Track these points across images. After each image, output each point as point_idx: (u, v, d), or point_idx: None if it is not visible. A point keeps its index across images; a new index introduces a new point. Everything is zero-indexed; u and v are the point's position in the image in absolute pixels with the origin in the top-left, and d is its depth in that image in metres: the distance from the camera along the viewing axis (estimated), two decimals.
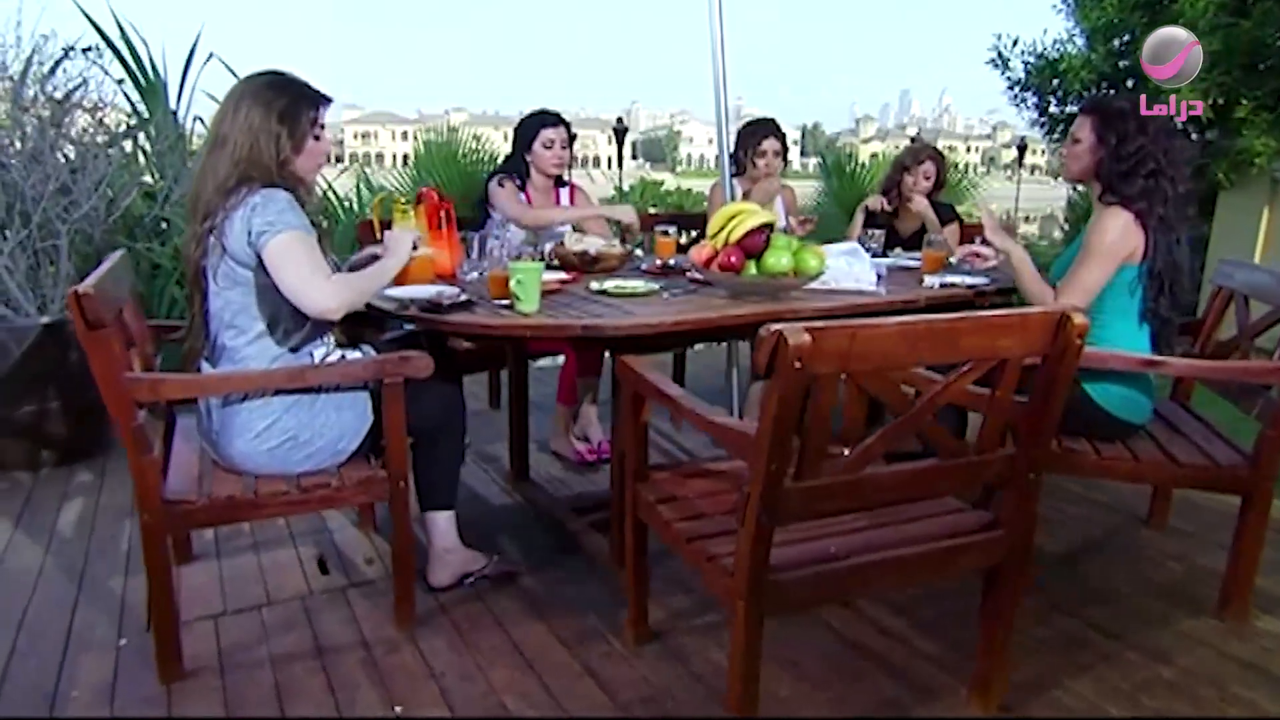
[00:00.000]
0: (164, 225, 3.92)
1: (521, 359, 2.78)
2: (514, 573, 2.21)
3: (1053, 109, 6.56)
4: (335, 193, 5.03)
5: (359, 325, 2.40)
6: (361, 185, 5.44)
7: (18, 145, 3.27)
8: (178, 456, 1.91)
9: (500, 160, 3.31)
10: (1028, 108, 6.57)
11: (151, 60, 4.28)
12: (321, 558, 2.30)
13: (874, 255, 3.15)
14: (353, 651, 1.88)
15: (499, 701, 1.73)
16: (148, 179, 4.06)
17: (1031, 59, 6.45)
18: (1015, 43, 6.48)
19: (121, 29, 4.17)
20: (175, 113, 4.37)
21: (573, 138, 2.96)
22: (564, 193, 3.04)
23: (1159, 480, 2.09)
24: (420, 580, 2.11)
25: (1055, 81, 6.43)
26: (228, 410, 1.81)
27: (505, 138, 3.24)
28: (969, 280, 2.54)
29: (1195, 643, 1.97)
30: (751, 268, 2.12)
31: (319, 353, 1.88)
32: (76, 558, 2.27)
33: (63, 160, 3.43)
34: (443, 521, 2.11)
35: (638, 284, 2.31)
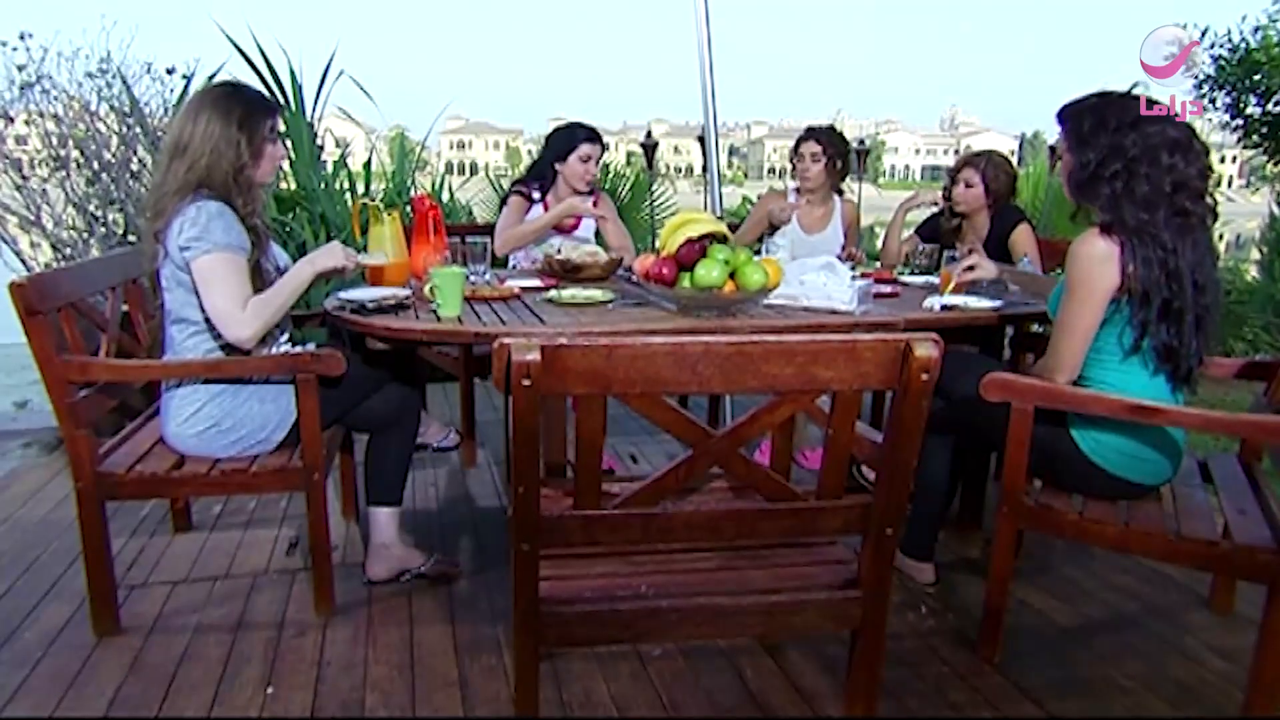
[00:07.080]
0: (288, 229, 4.33)
1: None
2: (452, 574, 2.23)
3: (1250, 108, 5.61)
4: None
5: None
6: None
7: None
8: (142, 434, 2.11)
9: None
10: (1216, 109, 5.66)
11: (292, 75, 4.76)
12: (295, 540, 2.45)
13: (921, 272, 2.89)
14: (265, 630, 1.98)
15: (361, 697, 1.75)
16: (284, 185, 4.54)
17: (1224, 51, 5.55)
18: (1204, 34, 5.60)
19: (262, 51, 4.68)
20: (312, 125, 4.85)
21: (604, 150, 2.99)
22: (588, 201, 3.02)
23: (1149, 553, 1.70)
24: (361, 571, 2.19)
25: (1256, 76, 5.50)
26: (166, 396, 1.98)
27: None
28: (976, 303, 2.24)
29: None
30: (685, 280, 1.99)
31: (263, 349, 2.00)
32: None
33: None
34: (383, 517, 2.17)
35: (595, 294, 2.25)
